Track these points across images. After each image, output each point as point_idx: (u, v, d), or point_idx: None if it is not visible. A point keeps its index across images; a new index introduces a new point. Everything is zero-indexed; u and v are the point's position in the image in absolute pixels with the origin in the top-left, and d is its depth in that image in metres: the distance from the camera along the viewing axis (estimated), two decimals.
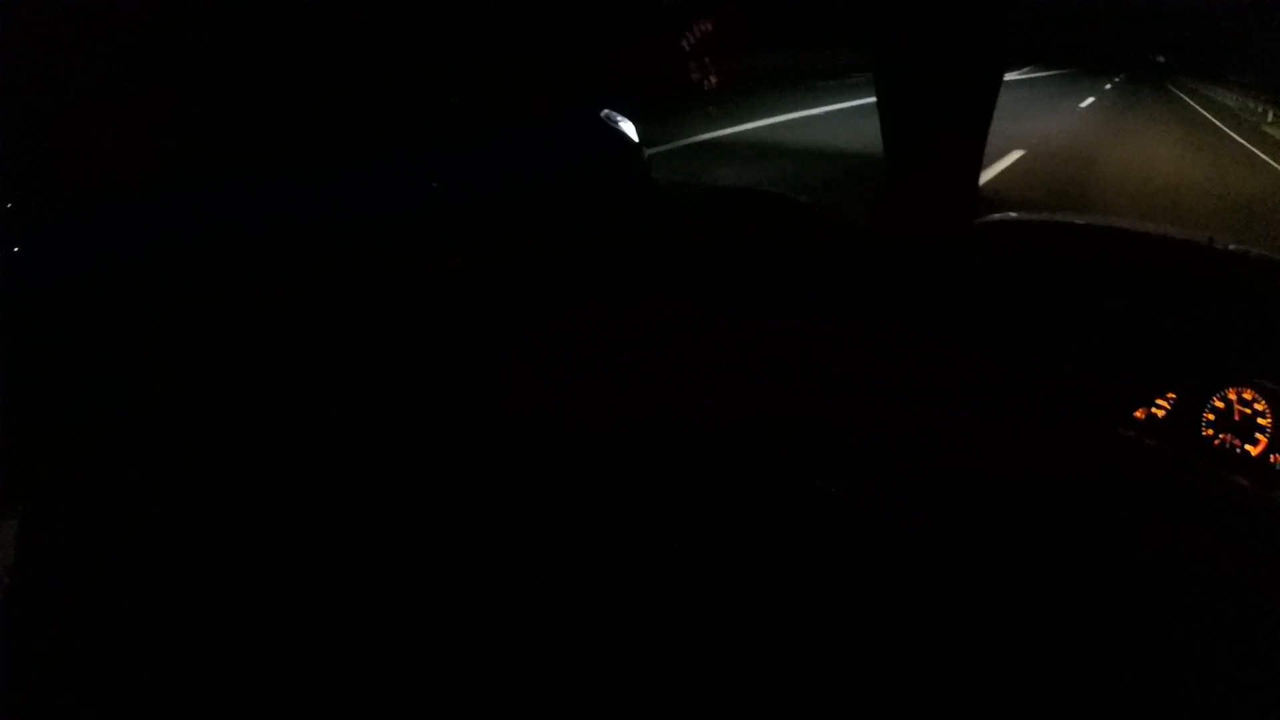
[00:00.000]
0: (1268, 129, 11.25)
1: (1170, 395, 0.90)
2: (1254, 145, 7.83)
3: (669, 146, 5.53)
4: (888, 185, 0.81)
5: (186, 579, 0.70)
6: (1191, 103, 14.83)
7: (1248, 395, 0.88)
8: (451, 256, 0.91)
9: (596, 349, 0.98)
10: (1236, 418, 0.88)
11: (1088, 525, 0.83)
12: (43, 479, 0.68)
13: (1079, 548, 0.81)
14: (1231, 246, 0.98)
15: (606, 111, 2.50)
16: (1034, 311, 0.91)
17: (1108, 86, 15.99)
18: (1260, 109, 12.52)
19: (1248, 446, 0.87)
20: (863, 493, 0.84)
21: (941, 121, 0.75)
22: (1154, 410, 0.91)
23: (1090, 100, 9.26)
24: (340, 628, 0.85)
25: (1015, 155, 6.23)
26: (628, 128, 2.53)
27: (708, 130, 6.11)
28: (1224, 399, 0.88)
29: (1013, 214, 1.00)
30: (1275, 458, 0.86)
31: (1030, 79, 15.38)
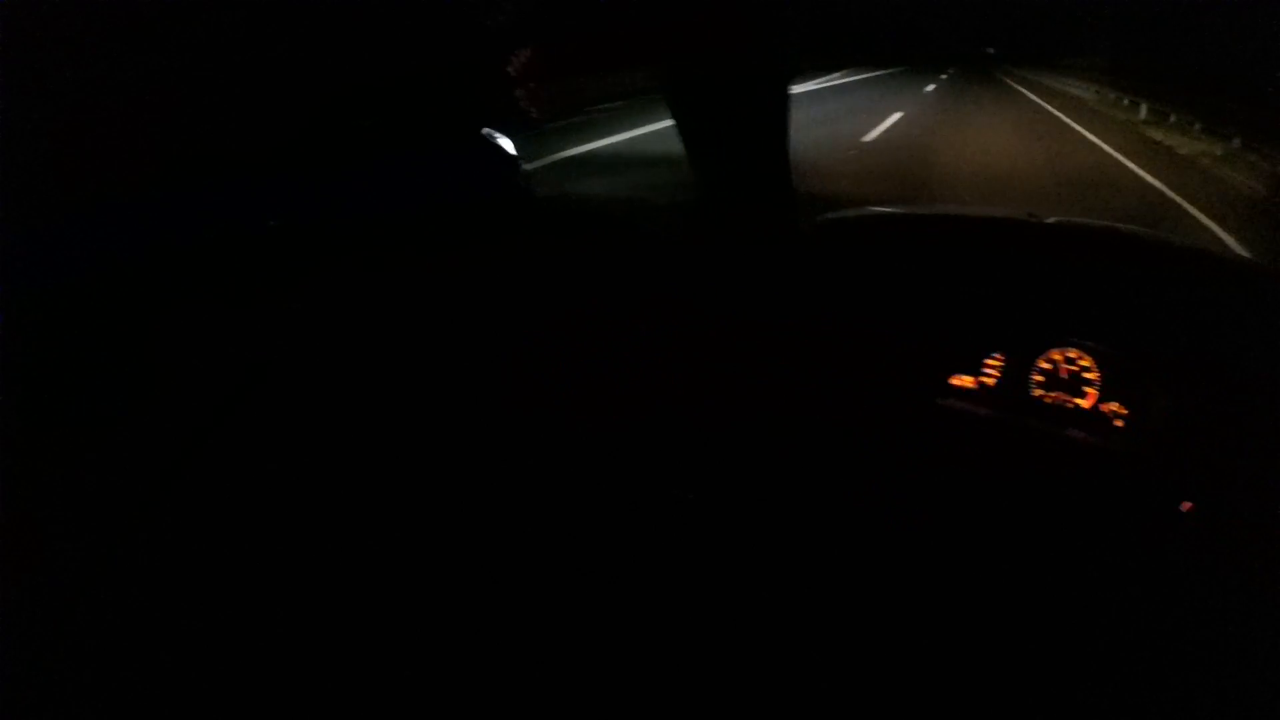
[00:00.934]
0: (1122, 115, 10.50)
1: (997, 361, 0.95)
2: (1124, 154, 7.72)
3: (539, 163, 5.75)
4: (699, 199, 0.83)
5: (186, 579, 0.70)
6: (1033, 96, 13.80)
7: (1072, 354, 0.93)
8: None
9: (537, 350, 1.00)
10: (1064, 375, 0.93)
11: (914, 495, 0.88)
12: (43, 479, 0.68)
13: (916, 518, 0.86)
14: (1050, 220, 1.03)
15: (486, 130, 2.52)
16: (863, 299, 0.95)
17: (929, 89, 14.79)
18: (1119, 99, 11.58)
19: (1078, 401, 0.93)
20: (718, 498, 0.88)
21: (736, 139, 0.77)
22: (984, 379, 0.96)
23: (895, 117, 8.67)
24: (340, 627, 0.85)
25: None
26: (506, 144, 2.57)
27: (570, 147, 6.34)
28: (1049, 360, 0.94)
29: (849, 211, 1.04)
30: (1105, 407, 0.91)
31: (844, 84, 14.69)
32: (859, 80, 16.31)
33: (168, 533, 0.69)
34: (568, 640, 0.86)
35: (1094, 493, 0.87)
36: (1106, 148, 7.58)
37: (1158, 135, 8.74)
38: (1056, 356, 0.94)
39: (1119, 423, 0.91)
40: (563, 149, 6.20)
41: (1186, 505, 0.82)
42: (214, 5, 0.64)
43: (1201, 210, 4.93)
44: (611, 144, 6.69)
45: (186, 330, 0.91)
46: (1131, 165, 6.51)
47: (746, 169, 0.81)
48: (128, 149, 0.74)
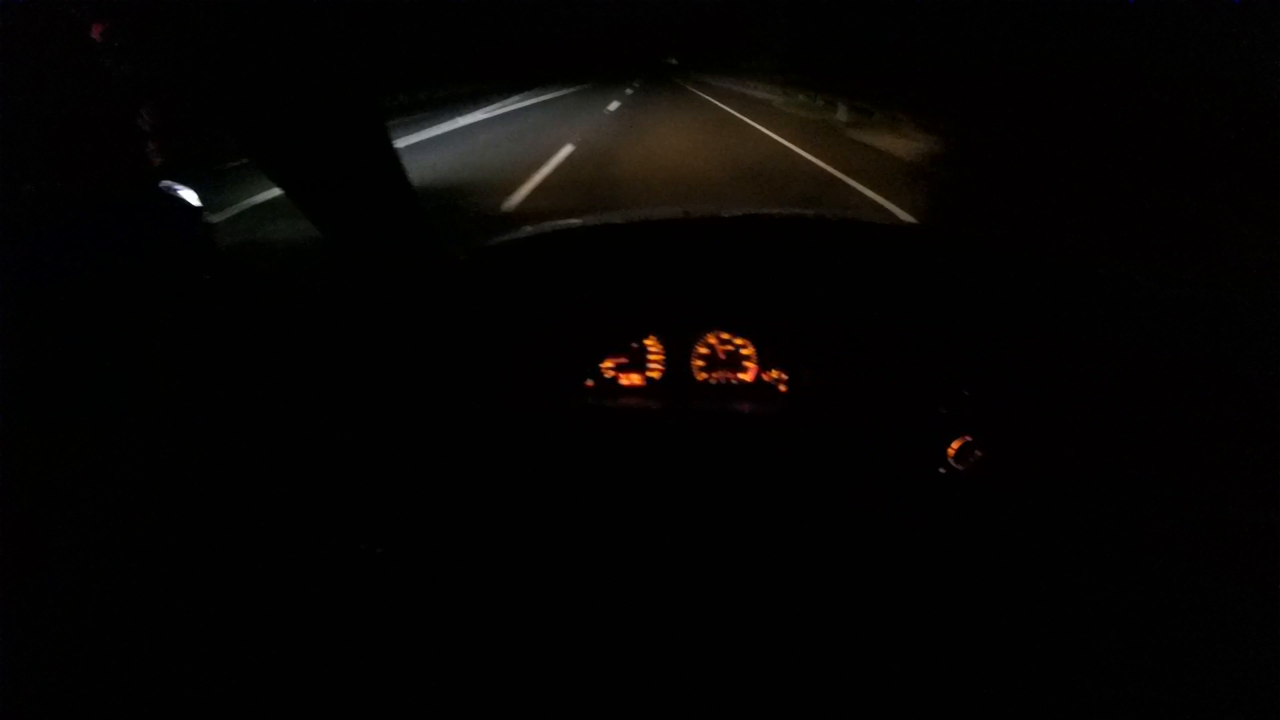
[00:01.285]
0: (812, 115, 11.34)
1: (656, 352, 1.01)
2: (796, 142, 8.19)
3: (230, 212, 5.58)
4: (328, 249, 0.83)
5: (186, 579, 0.70)
6: (717, 103, 13.68)
7: (725, 336, 1.00)
8: None
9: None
10: (723, 356, 1.01)
11: (592, 497, 0.92)
12: (43, 479, 0.68)
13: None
14: (700, 214, 1.08)
15: (166, 182, 2.49)
16: (519, 314, 0.97)
17: (611, 107, 13.91)
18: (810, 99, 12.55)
19: (741, 376, 1.01)
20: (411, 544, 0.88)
21: (344, 191, 0.75)
22: (650, 373, 1.02)
23: (564, 153, 7.81)
24: (339, 627, 0.85)
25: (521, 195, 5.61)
26: (189, 195, 2.54)
27: (253, 195, 6.09)
28: (706, 345, 1.00)
29: (528, 228, 1.06)
30: (765, 375, 1.00)
31: (523, 108, 13.83)
32: (533, 104, 15.61)
33: (168, 533, 0.69)
34: (564, 636, 0.86)
35: (771, 457, 0.94)
36: (796, 148, 7.85)
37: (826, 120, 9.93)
38: (711, 340, 1.01)
39: (782, 388, 0.99)
40: (250, 196, 5.98)
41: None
42: None
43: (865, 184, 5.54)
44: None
45: (186, 330, 0.91)
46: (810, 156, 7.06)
47: (363, 211, 0.80)
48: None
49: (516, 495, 0.94)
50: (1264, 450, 0.79)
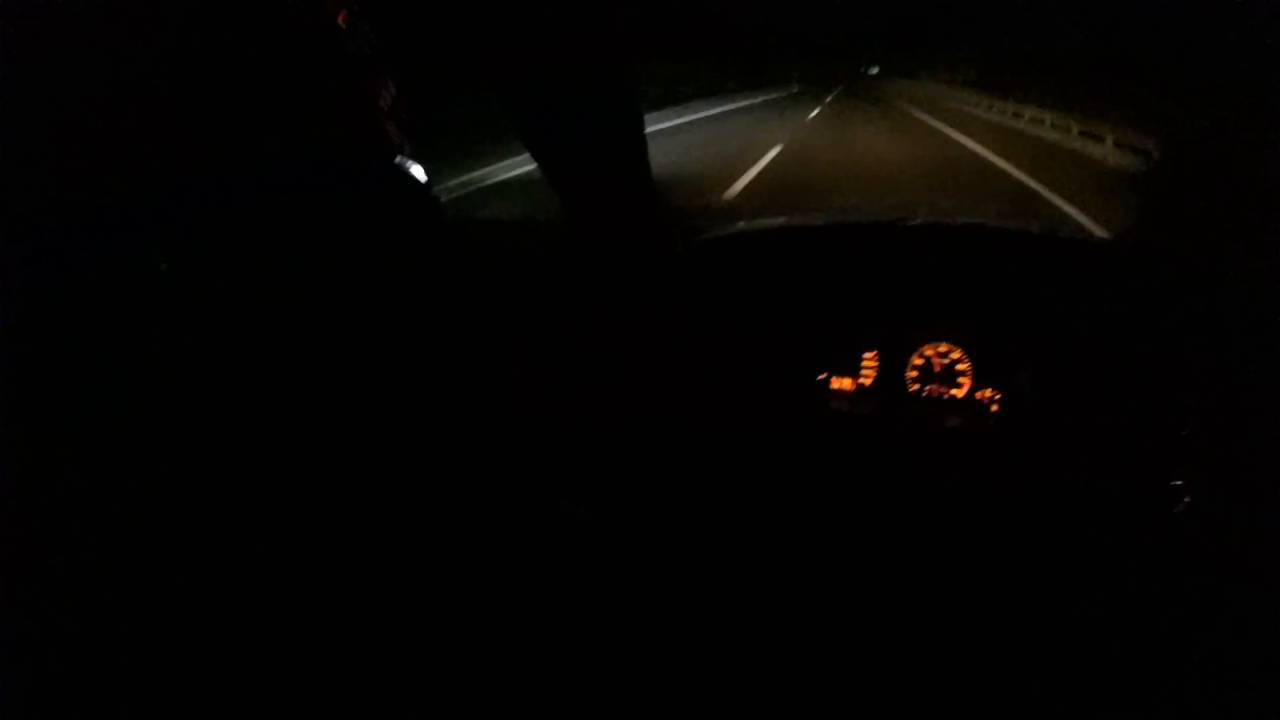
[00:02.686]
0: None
1: (872, 360, 1.00)
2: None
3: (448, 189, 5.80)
4: (570, 222, 0.85)
5: (186, 579, 0.70)
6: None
7: (943, 348, 0.99)
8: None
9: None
10: (938, 369, 0.99)
11: (809, 497, 0.92)
12: (43, 479, 0.68)
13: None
14: (918, 221, 1.06)
15: (399, 158, 2.56)
16: (740, 312, 0.97)
17: (813, 115, 13.19)
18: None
19: (953, 391, 0.99)
20: (612, 511, 0.90)
21: (595, 162, 0.76)
22: (862, 380, 1.01)
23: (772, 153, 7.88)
24: (338, 626, 0.85)
25: None
26: (418, 171, 2.62)
27: (468, 172, 6.28)
28: (922, 355, 0.99)
29: (741, 224, 1.07)
30: (979, 394, 0.97)
31: (710, 115, 13.02)
32: (726, 110, 15.15)
33: (168, 533, 0.69)
34: (564, 637, 0.86)
35: (978, 475, 0.93)
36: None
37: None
38: (929, 351, 1.00)
39: (994, 408, 0.97)
40: (467, 176, 6.19)
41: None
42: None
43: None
44: (521, 172, 6.60)
45: (186, 330, 0.91)
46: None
47: (609, 191, 0.81)
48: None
49: (712, 492, 0.93)
50: None
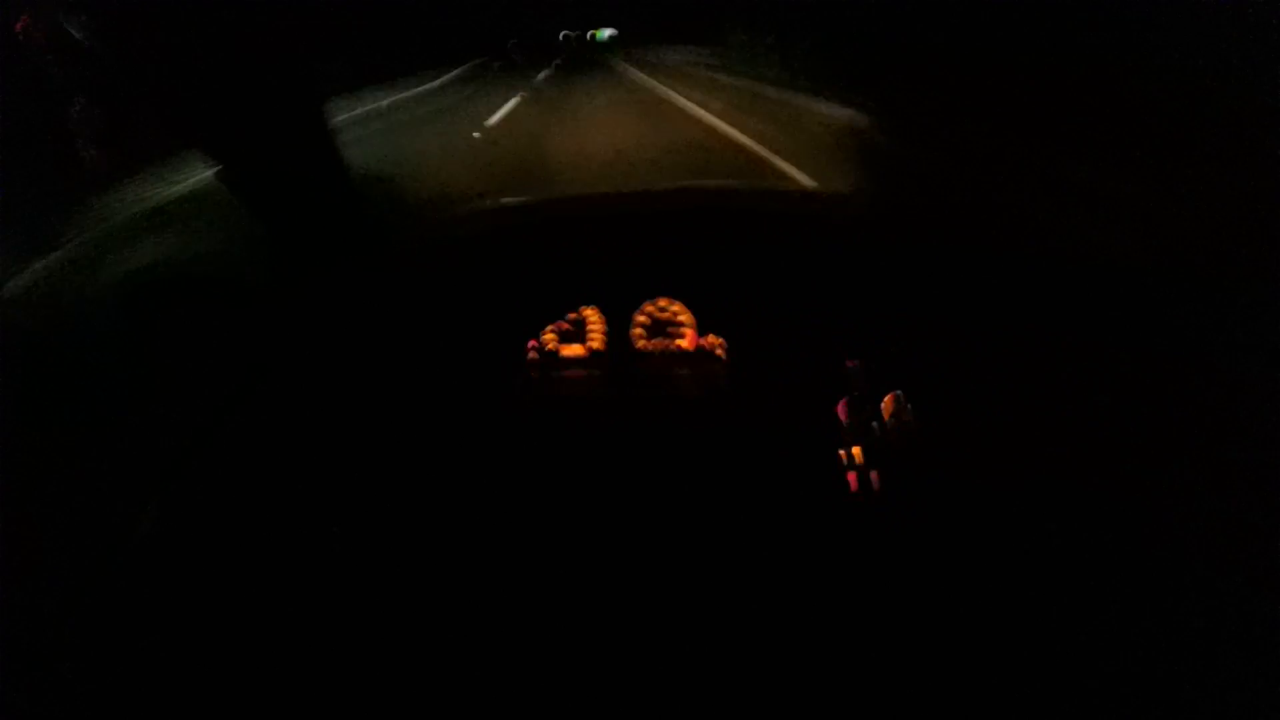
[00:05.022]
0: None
1: (595, 321, 1.04)
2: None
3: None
4: (275, 247, 0.85)
5: (186, 579, 0.70)
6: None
7: (663, 303, 1.05)
8: None
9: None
10: (661, 322, 1.05)
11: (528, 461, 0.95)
12: (43, 479, 0.68)
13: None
14: (638, 189, 1.15)
15: None
16: (467, 296, 1.00)
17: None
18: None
19: (679, 343, 1.04)
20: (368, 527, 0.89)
21: (288, 179, 0.77)
22: (591, 343, 1.04)
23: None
24: (338, 626, 0.85)
25: None
26: None
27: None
28: (644, 313, 1.04)
29: (466, 210, 1.10)
30: (704, 342, 1.03)
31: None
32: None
33: (168, 533, 0.69)
34: (563, 640, 0.86)
35: (713, 420, 0.98)
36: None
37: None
38: (649, 308, 1.05)
39: (720, 353, 1.02)
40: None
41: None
42: None
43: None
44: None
45: (186, 330, 0.91)
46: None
47: (307, 202, 0.83)
48: None
49: (473, 475, 0.96)
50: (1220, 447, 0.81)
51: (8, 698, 0.55)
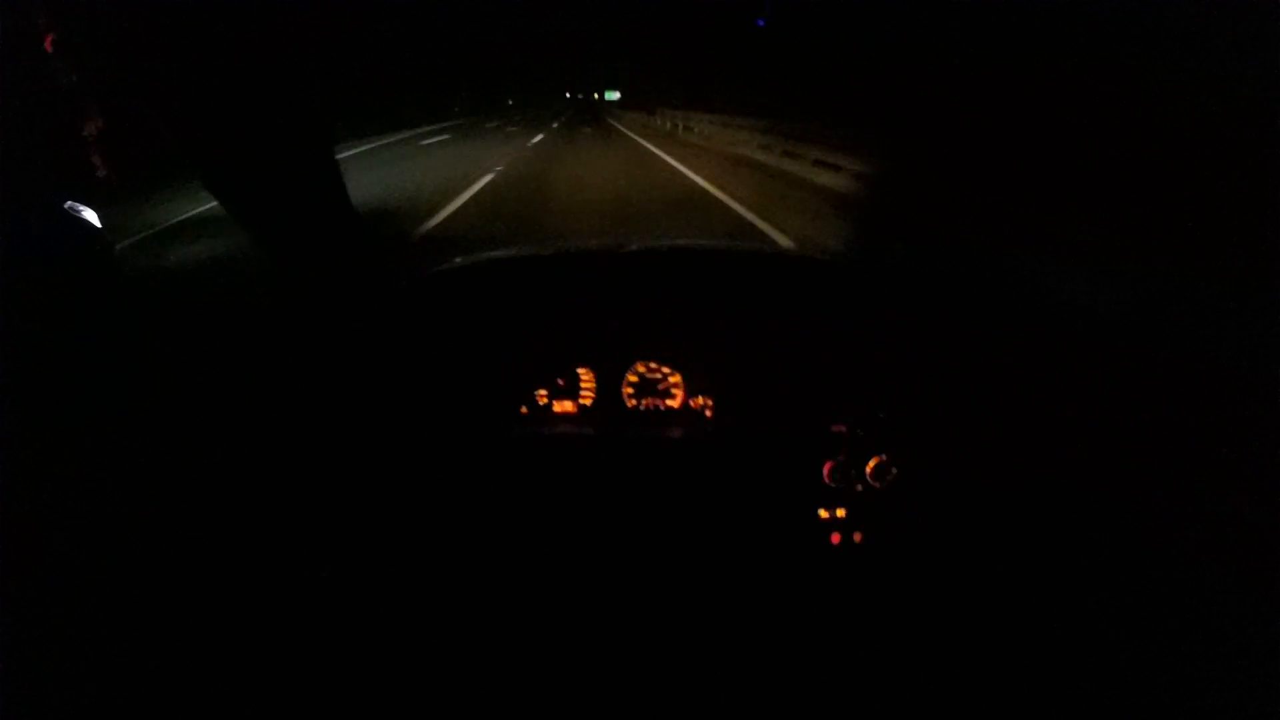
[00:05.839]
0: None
1: (588, 380, 1.05)
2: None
3: (154, 230, 5.47)
4: (279, 269, 0.84)
5: (186, 579, 0.70)
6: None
7: (654, 365, 1.05)
8: None
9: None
10: (652, 384, 1.06)
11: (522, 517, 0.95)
12: (43, 479, 0.68)
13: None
14: (633, 246, 1.12)
15: (70, 203, 2.50)
16: (457, 343, 1.00)
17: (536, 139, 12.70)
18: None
19: (668, 403, 1.05)
20: (356, 568, 0.89)
21: (287, 206, 0.76)
22: (582, 400, 1.06)
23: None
24: (337, 626, 0.85)
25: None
26: (90, 216, 2.57)
27: (182, 213, 5.89)
28: (635, 373, 1.05)
29: (460, 259, 1.09)
30: (693, 403, 1.04)
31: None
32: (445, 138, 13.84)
33: (168, 533, 0.69)
34: (563, 643, 0.86)
35: (701, 480, 0.99)
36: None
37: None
38: (640, 368, 1.05)
39: (709, 413, 1.04)
40: (181, 213, 5.81)
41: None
42: None
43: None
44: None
45: (186, 330, 0.91)
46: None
47: (309, 235, 0.82)
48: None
49: (460, 521, 0.96)
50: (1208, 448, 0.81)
51: (8, 698, 0.55)
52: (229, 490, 0.75)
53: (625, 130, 17.89)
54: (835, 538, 0.98)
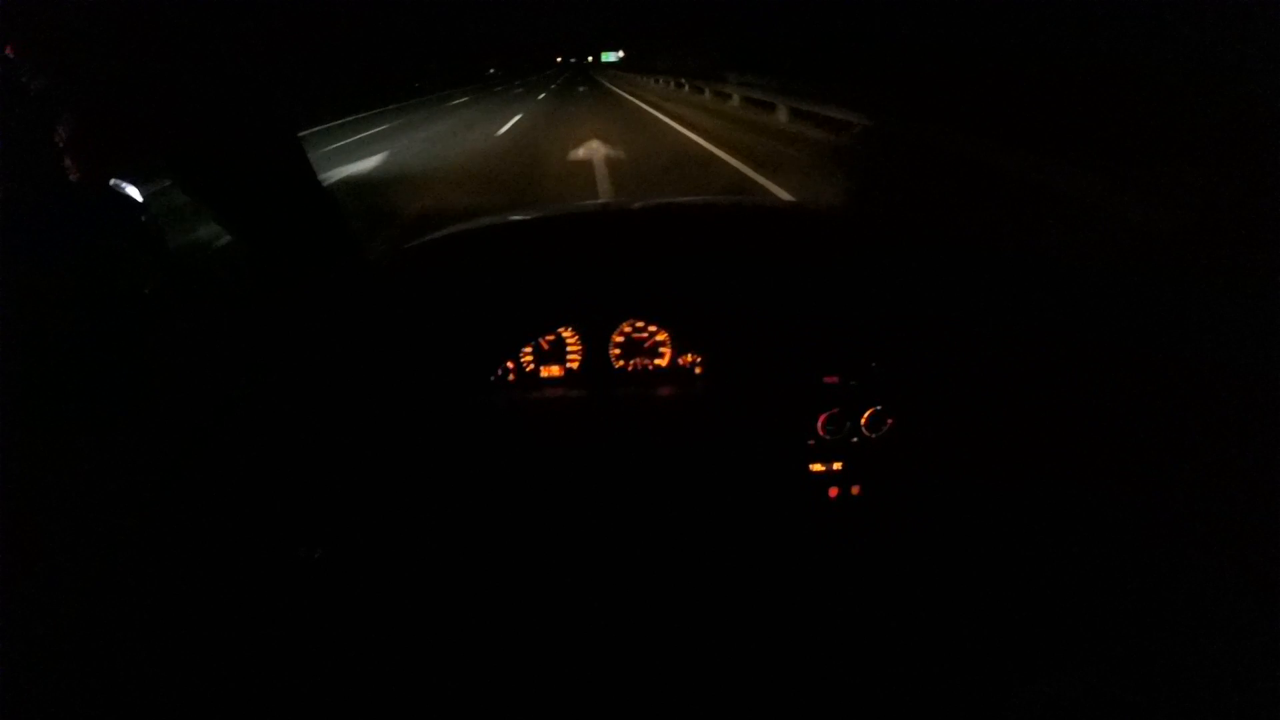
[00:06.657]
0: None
1: (574, 342, 1.04)
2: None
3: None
4: (251, 260, 0.83)
5: (186, 579, 0.70)
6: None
7: (640, 324, 1.03)
8: None
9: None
10: (639, 343, 1.04)
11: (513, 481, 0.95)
12: (43, 479, 0.68)
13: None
14: (618, 205, 1.11)
15: (114, 181, 2.58)
16: (441, 315, 0.98)
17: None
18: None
19: (657, 362, 1.04)
20: (349, 548, 0.89)
21: (259, 196, 0.76)
22: (570, 364, 1.04)
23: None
24: (337, 626, 0.85)
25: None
26: (132, 190, 2.68)
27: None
28: (621, 334, 1.04)
29: (445, 229, 1.07)
30: (681, 360, 1.03)
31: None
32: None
33: (168, 533, 0.69)
34: (562, 639, 0.86)
35: (693, 438, 0.98)
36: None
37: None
38: (626, 328, 1.04)
39: (698, 370, 1.03)
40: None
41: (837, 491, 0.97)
42: None
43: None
44: None
45: (186, 330, 0.91)
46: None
47: (287, 230, 0.81)
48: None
49: (453, 491, 0.96)
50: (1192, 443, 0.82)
51: (8, 698, 0.55)
52: (228, 482, 0.75)
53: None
54: (833, 491, 0.97)
